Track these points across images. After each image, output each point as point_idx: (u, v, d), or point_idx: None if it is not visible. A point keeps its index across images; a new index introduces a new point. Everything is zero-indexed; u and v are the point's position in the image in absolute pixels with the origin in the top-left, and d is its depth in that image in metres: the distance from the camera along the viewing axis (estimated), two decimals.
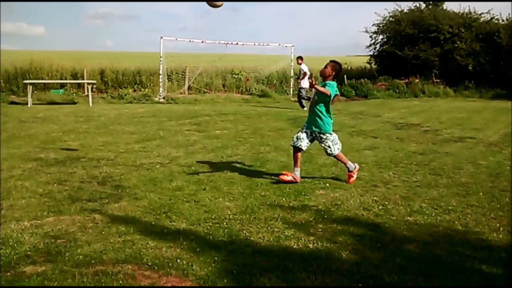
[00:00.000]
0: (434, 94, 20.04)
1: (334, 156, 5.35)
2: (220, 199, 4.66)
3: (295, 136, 5.29)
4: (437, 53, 21.58)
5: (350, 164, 5.34)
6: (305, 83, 13.71)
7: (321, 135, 5.23)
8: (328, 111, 5.18)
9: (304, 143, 5.22)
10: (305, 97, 13.86)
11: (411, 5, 25.48)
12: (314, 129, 5.23)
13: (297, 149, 5.25)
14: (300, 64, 14.07)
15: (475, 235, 3.83)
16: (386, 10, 37.34)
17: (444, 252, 3.46)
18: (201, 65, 17.85)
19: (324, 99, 5.11)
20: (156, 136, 8.34)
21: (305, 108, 13.77)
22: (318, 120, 5.18)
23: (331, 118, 5.25)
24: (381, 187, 5.25)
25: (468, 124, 11.17)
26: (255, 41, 20.49)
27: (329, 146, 5.25)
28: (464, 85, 20.87)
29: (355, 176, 5.35)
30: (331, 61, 5.32)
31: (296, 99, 16.12)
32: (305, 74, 13.61)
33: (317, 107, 5.18)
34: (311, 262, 3.20)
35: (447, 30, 21.59)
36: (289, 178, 5.16)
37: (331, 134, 5.25)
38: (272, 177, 5.57)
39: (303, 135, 5.24)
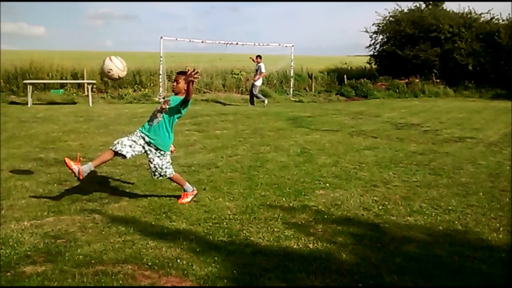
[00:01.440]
0: (434, 94, 20.03)
1: (170, 178, 4.57)
2: (220, 199, 4.66)
3: (118, 141, 4.34)
4: (437, 53, 21.58)
5: (188, 186, 4.61)
6: (259, 81, 14.76)
7: (160, 151, 4.44)
8: (172, 128, 4.49)
9: (129, 151, 4.32)
10: (257, 96, 14.79)
11: (411, 5, 25.50)
12: (152, 142, 4.40)
13: (117, 154, 4.31)
14: (259, 62, 14.70)
15: (475, 235, 3.84)
16: (386, 10, 37.38)
17: (444, 252, 3.46)
18: (201, 65, 17.84)
19: (173, 113, 4.41)
20: None
21: (254, 106, 14.63)
22: (162, 134, 4.42)
23: (172, 138, 4.54)
24: (381, 187, 5.25)
25: (468, 124, 11.17)
26: (255, 41, 20.44)
27: (163, 166, 4.45)
28: (464, 85, 20.85)
29: (189, 198, 4.56)
30: (179, 73, 4.49)
31: (295, 99, 16.13)
32: (262, 73, 14.74)
33: (165, 120, 4.42)
34: (311, 262, 3.20)
35: (447, 30, 21.59)
36: (75, 168, 4.14)
37: (167, 153, 4.51)
38: (272, 177, 5.57)
39: (129, 143, 4.34)
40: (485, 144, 8.27)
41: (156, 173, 4.48)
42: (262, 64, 14.64)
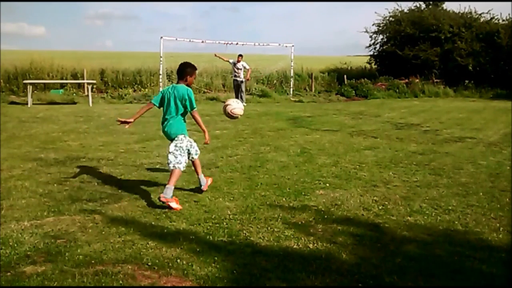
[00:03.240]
0: (434, 94, 20.04)
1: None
2: (220, 199, 4.66)
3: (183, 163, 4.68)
4: (437, 53, 21.59)
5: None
6: (241, 78, 14.99)
7: None
8: None
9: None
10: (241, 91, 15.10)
11: (411, 5, 25.50)
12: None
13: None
14: (240, 61, 14.95)
15: (475, 235, 3.84)
16: (386, 10, 37.37)
17: (444, 252, 3.46)
18: (201, 65, 17.83)
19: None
20: (156, 136, 8.33)
21: (244, 103, 14.61)
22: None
23: None
24: (381, 187, 5.25)
25: (468, 124, 11.17)
26: (255, 41, 20.44)
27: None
28: (464, 85, 20.87)
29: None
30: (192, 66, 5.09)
31: (295, 99, 16.07)
32: (249, 69, 15.00)
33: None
34: (311, 262, 3.20)
35: (447, 30, 21.59)
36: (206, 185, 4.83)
37: None
38: (272, 177, 5.57)
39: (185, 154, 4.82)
40: (485, 144, 8.27)
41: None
42: (244, 62, 14.89)
